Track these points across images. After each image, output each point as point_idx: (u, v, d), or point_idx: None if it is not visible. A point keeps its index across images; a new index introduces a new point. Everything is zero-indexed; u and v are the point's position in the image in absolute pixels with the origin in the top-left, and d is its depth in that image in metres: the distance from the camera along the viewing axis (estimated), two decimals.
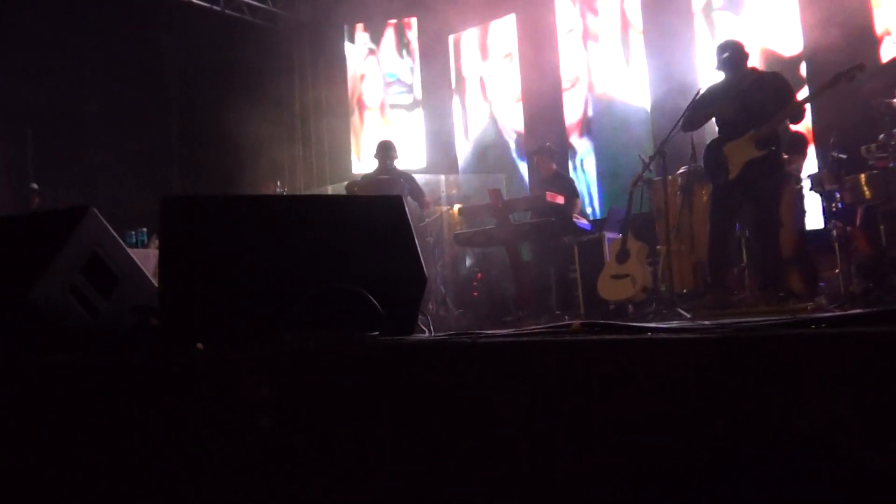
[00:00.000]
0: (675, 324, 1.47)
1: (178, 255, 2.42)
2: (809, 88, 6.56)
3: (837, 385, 0.96)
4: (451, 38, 9.93)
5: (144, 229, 6.77)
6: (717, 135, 5.20)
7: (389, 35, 10.45)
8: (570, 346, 1.13)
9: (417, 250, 2.72)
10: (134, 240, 6.60)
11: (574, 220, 6.50)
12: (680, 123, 4.84)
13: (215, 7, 9.86)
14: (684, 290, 5.46)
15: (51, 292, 2.58)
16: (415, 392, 1.41)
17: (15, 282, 2.53)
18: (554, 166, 7.23)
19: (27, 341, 2.45)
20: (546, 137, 8.46)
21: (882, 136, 5.07)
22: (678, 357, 1.06)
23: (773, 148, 4.85)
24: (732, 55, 4.87)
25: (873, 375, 1.00)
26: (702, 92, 4.97)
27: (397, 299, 2.52)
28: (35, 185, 7.00)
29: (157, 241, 7.45)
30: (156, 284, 2.98)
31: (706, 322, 1.54)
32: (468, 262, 8.47)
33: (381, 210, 2.78)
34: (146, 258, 6.75)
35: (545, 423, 1.18)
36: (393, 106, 10.39)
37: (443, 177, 8.33)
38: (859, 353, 1.01)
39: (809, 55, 6.87)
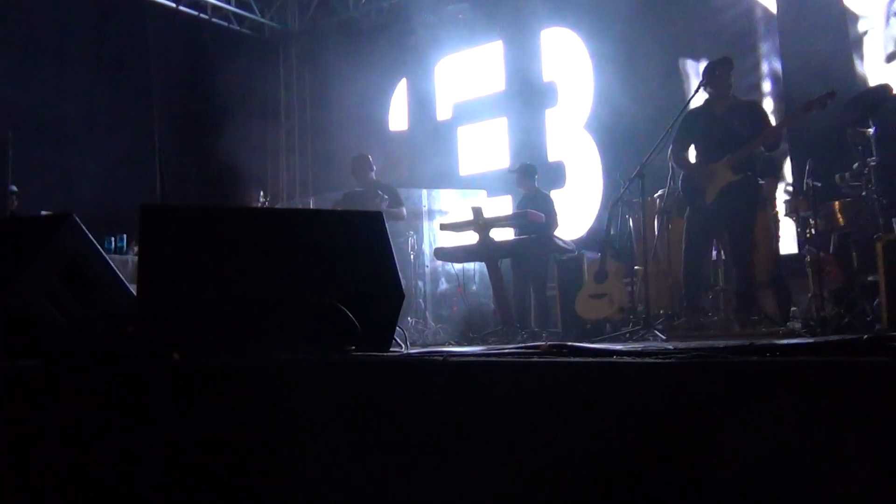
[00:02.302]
0: (640, 347, 1.51)
1: (157, 263, 2.43)
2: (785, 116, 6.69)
3: (783, 413, 0.99)
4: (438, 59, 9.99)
5: (124, 235, 6.74)
6: (694, 158, 5.28)
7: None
8: (536, 367, 1.16)
9: (396, 266, 2.75)
10: (112, 245, 6.58)
11: (555, 238, 6.55)
12: (660, 146, 4.91)
13: (203, 15, 9.88)
14: (661, 311, 5.52)
15: (27, 297, 2.58)
16: (385, 407, 1.44)
17: None
18: (535, 184, 7.28)
19: (2, 345, 2.45)
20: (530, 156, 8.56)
21: (856, 164, 5.17)
22: (639, 382, 1.10)
23: (749, 173, 4.92)
24: (724, 73, 4.94)
25: (816, 405, 1.04)
26: (680, 120, 5.04)
27: (374, 314, 2.54)
28: (14, 188, 6.96)
29: (136, 248, 7.43)
30: (134, 292, 2.99)
31: (670, 346, 1.58)
32: (448, 277, 8.51)
33: (361, 225, 2.81)
34: (124, 264, 6.74)
35: (511, 443, 1.21)
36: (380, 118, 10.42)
37: (424, 191, 8.36)
38: (803, 383, 1.05)
39: (787, 88, 7.01)
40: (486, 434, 1.25)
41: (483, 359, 1.30)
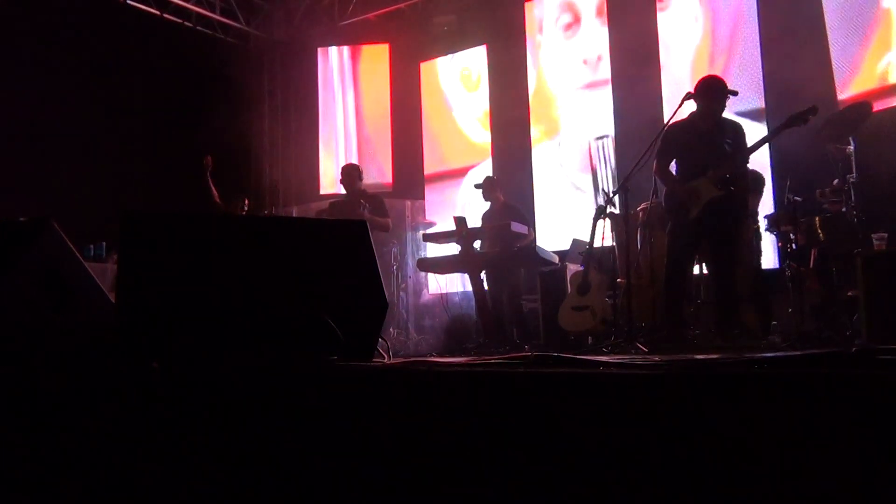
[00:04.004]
0: (626, 359, 1.50)
1: (137, 271, 2.40)
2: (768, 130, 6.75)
3: (772, 424, 0.99)
4: (422, 65, 10.03)
5: (103, 243, 6.67)
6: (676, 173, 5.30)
7: (361, 59, 10.51)
8: (522, 378, 1.15)
9: (379, 276, 2.74)
10: (92, 253, 6.51)
11: (538, 250, 6.56)
12: (643, 160, 4.93)
13: (187, 23, 9.84)
14: (643, 324, 5.53)
15: (5, 304, 2.54)
16: (369, 417, 1.42)
17: None
18: (501, 197, 7.28)
19: None
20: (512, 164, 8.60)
21: (836, 181, 5.23)
22: (626, 393, 1.09)
23: (733, 188, 4.93)
24: (720, 100, 4.96)
25: (806, 416, 1.03)
26: (664, 134, 5.06)
27: (358, 324, 2.52)
28: None
29: (115, 256, 7.36)
30: (113, 300, 2.95)
31: (656, 358, 1.57)
32: (430, 287, 8.50)
33: (345, 234, 2.79)
34: (103, 272, 6.66)
35: (497, 453, 1.20)
36: (364, 128, 10.43)
37: (408, 202, 8.36)
38: (793, 395, 1.05)
39: (770, 106, 7.09)
40: (472, 443, 1.23)
41: (469, 369, 1.29)
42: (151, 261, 2.42)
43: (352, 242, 2.73)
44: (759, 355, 1.20)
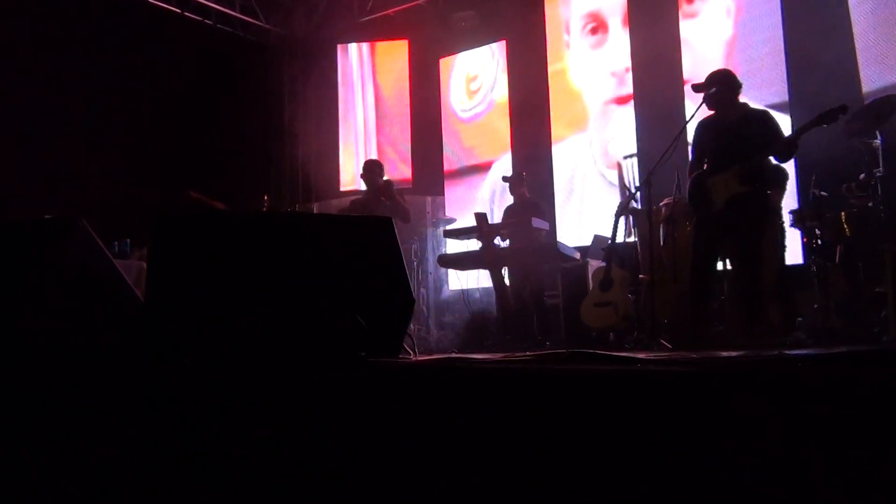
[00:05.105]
0: (663, 355, 1.49)
1: (168, 269, 2.42)
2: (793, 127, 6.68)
3: (814, 422, 0.98)
4: (441, 61, 10.03)
5: (128, 240, 6.73)
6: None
7: (380, 55, 10.52)
8: (561, 375, 1.15)
9: (406, 273, 2.74)
10: (116, 250, 6.56)
11: (559, 245, 6.54)
12: (667, 155, 4.90)
13: (207, 21, 9.89)
14: (665, 321, 5.50)
15: (36, 301, 2.57)
16: (407, 413, 1.42)
17: (1, 289, 2.51)
18: (526, 193, 7.28)
19: (10, 349, 2.43)
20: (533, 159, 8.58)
21: (863, 175, 5.16)
22: (665, 390, 1.08)
23: (758, 184, 4.89)
24: (721, 90, 4.92)
25: (850, 413, 1.02)
26: (695, 131, 5.04)
27: (385, 320, 2.53)
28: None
29: (138, 253, 7.41)
30: (140, 296, 2.97)
31: (693, 355, 1.56)
32: (451, 284, 8.50)
33: (371, 231, 2.80)
34: (127, 269, 6.70)
35: (536, 449, 1.20)
36: (383, 125, 10.44)
37: (429, 198, 8.36)
38: (840, 392, 1.04)
39: (794, 100, 7.01)
40: (510, 440, 1.23)
41: (506, 366, 1.29)
42: (182, 259, 2.44)
43: (378, 239, 2.73)
44: (801, 352, 1.18)
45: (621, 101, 8.44)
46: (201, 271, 2.44)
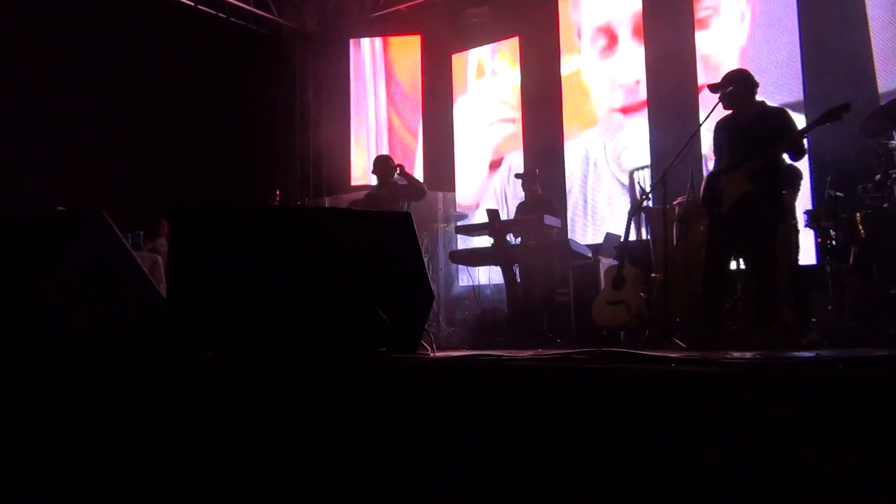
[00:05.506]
0: (697, 355, 1.48)
1: (188, 261, 2.42)
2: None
3: (852, 424, 0.98)
4: (453, 56, 10.01)
5: (141, 232, 6.76)
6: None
7: (393, 50, 10.52)
8: (597, 373, 1.15)
9: (425, 268, 2.74)
10: (130, 242, 6.58)
11: (571, 243, 6.53)
12: (682, 153, 4.88)
13: (220, 15, 9.90)
14: (677, 319, 5.48)
15: (59, 293, 2.58)
16: (432, 410, 1.42)
17: (21, 282, 2.52)
18: (539, 189, 7.26)
19: (32, 341, 2.44)
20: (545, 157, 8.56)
21: (878, 176, 5.13)
22: (702, 390, 1.08)
23: (766, 182, 4.85)
24: (738, 89, 4.90)
25: (890, 416, 1.02)
26: (714, 128, 5.02)
27: (404, 315, 2.53)
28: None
29: (150, 244, 7.43)
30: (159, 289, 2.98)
31: (735, 354, 1.55)
32: (461, 280, 8.50)
33: (390, 226, 2.80)
34: (141, 261, 6.73)
35: (570, 449, 1.19)
36: (394, 120, 10.44)
37: (440, 194, 8.35)
38: (875, 395, 1.03)
39: (809, 100, 6.97)
40: (537, 439, 1.23)
41: (536, 363, 1.29)
42: (202, 251, 2.44)
43: (398, 234, 2.73)
44: (835, 354, 1.18)
45: (630, 110, 8.41)
46: (221, 264, 2.44)
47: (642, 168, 7.42)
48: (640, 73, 8.33)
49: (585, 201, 8.65)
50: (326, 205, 9.13)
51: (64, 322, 2.56)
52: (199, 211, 2.50)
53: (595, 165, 8.65)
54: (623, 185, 8.06)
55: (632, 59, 8.42)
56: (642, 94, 8.30)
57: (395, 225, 2.78)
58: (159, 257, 6.67)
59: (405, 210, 6.59)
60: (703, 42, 7.92)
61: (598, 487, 1.19)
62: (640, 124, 8.28)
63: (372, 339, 2.30)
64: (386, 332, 2.30)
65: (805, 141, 4.84)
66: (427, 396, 1.48)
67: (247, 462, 1.91)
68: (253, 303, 2.36)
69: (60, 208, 6.77)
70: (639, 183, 5.79)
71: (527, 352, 1.63)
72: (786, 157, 4.98)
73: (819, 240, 5.57)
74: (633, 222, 5.76)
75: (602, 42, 8.72)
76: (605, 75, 8.67)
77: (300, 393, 1.85)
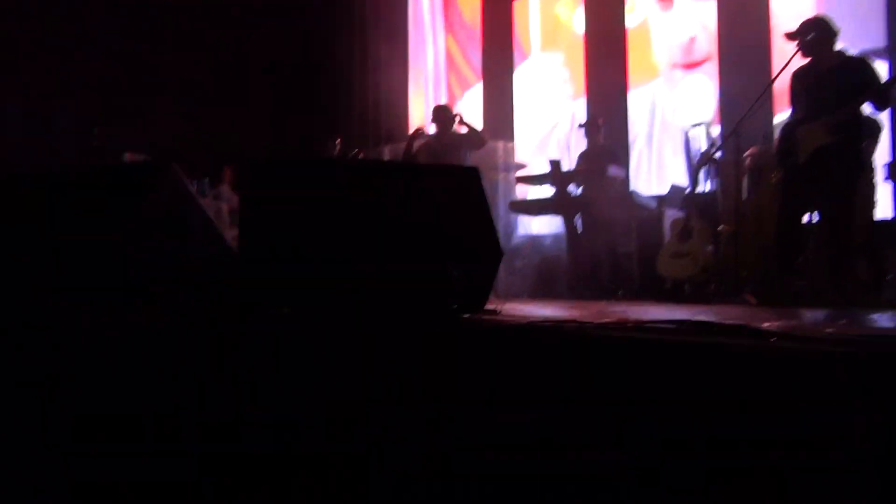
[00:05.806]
0: (796, 327, 1.42)
1: (259, 218, 2.44)
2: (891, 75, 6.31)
3: None
4: (514, 4, 9.77)
5: (207, 180, 6.87)
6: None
7: None
8: (685, 348, 1.11)
9: (493, 224, 2.71)
10: (195, 190, 6.71)
11: (633, 194, 6.40)
12: (758, 103, 4.70)
13: None
14: (745, 273, 5.35)
15: (131, 246, 2.63)
16: (514, 372, 1.40)
17: (100, 231, 2.58)
18: (601, 139, 7.11)
19: (112, 288, 2.50)
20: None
21: None
22: (808, 372, 1.03)
23: (847, 135, 4.65)
24: (818, 37, 4.67)
25: None
26: (790, 77, 4.82)
27: (473, 272, 2.51)
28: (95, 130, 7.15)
29: (213, 192, 7.54)
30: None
31: (829, 329, 1.49)
32: (520, 229, 8.44)
33: (459, 181, 2.77)
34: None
35: (655, 420, 1.16)
36: (454, 68, 10.30)
37: (500, 143, 8.24)
38: None
39: (894, 45, 6.60)
40: (627, 411, 1.20)
41: (623, 333, 1.25)
42: (272, 207, 2.45)
43: (466, 189, 2.70)
44: None
45: (689, 66, 8.10)
46: (292, 220, 2.45)
47: (698, 124, 7.18)
48: (696, 29, 8.00)
49: (651, 152, 8.43)
50: (387, 154, 9.10)
51: (142, 272, 2.62)
52: (269, 168, 2.51)
53: (662, 116, 8.40)
54: (688, 136, 7.83)
55: (689, 15, 8.10)
56: (698, 52, 7.99)
57: (465, 180, 2.74)
58: (224, 204, 6.78)
59: (465, 159, 6.54)
60: None
61: (693, 468, 1.16)
62: (696, 81, 7.98)
63: (443, 296, 2.29)
64: (456, 290, 2.29)
65: (892, 92, 4.60)
66: (499, 360, 1.47)
67: (317, 420, 1.93)
68: (322, 259, 2.36)
69: (128, 155, 6.91)
70: (693, 152, 5.60)
71: (594, 307, 1.58)
72: (866, 107, 4.76)
73: None
74: (700, 174, 5.59)
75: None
76: (665, 29, 8.36)
77: (372, 350, 1.85)
